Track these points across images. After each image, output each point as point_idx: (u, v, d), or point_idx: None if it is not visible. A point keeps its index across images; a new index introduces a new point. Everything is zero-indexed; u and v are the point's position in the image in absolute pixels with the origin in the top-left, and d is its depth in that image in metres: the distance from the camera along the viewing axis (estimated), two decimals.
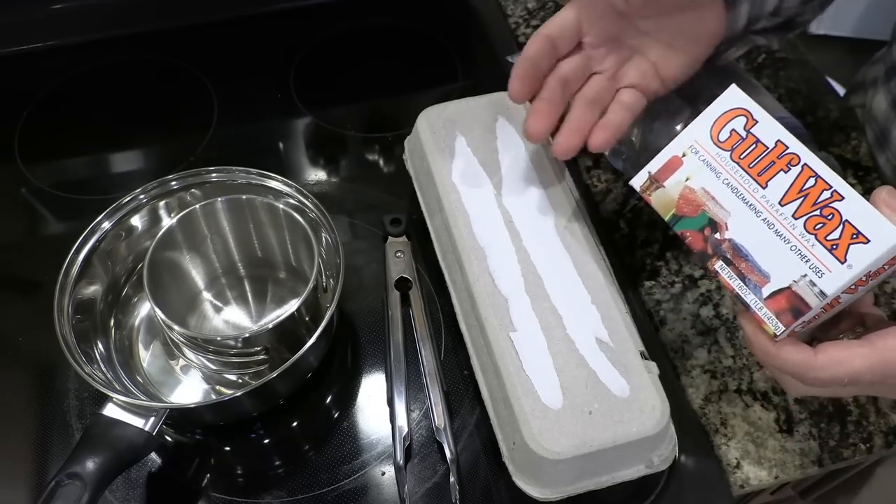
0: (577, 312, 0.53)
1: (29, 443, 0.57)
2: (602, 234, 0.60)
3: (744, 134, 0.46)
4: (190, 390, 0.58)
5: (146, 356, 0.60)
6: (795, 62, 0.80)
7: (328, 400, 0.59)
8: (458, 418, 0.57)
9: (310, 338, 0.52)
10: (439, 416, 0.56)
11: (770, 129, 0.45)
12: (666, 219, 0.47)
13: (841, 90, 0.87)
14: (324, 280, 0.60)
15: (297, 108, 0.77)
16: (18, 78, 0.81)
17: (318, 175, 0.73)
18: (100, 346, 0.57)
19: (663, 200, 0.48)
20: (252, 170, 0.61)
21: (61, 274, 0.56)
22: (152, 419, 0.49)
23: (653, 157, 0.64)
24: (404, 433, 0.55)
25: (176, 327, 0.54)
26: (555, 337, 0.52)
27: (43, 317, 0.63)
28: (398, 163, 0.69)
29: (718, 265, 0.45)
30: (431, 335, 0.60)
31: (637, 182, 0.49)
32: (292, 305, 0.55)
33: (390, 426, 0.56)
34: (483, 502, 0.54)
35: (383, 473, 0.55)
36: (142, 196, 0.60)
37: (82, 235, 0.58)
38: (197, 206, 0.58)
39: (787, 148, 0.44)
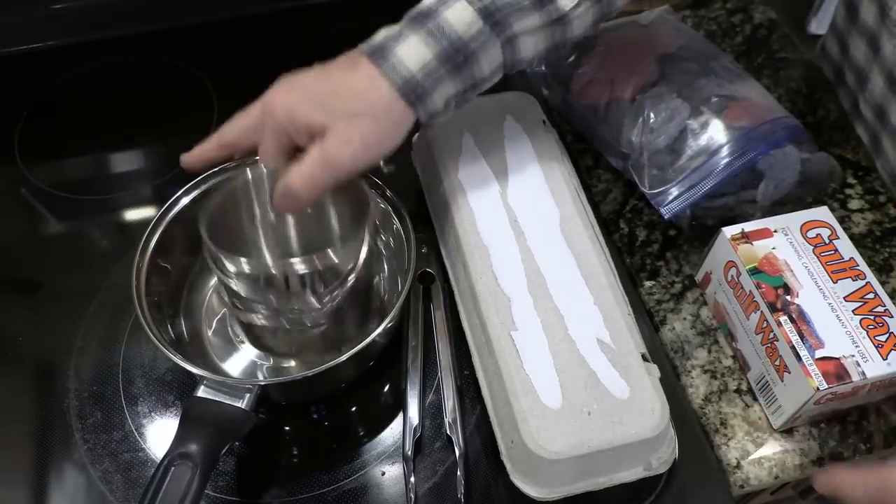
0: (579, 313, 0.53)
1: (29, 443, 0.57)
2: (602, 234, 0.60)
3: (826, 241, 0.58)
4: (250, 366, 0.59)
5: (211, 332, 0.60)
6: (795, 62, 0.80)
7: (328, 400, 0.59)
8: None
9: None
10: (452, 411, 0.56)
11: (848, 246, 0.57)
12: (746, 267, 0.56)
13: None
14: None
15: None
16: (18, 78, 0.81)
17: None
18: (169, 326, 0.57)
19: (749, 254, 0.57)
20: None
21: (137, 253, 0.56)
22: (247, 397, 0.50)
23: (652, 156, 0.64)
24: (415, 425, 0.55)
25: (232, 265, 0.53)
26: (556, 337, 0.52)
27: (43, 317, 0.63)
28: (399, 162, 0.69)
29: (783, 319, 0.54)
30: (450, 330, 0.60)
31: (730, 231, 0.58)
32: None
33: (402, 417, 0.56)
34: (483, 501, 0.54)
35: (383, 473, 0.55)
36: (220, 176, 0.60)
37: (160, 212, 0.58)
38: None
39: (858, 265, 0.56)
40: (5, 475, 0.56)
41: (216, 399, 0.50)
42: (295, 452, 0.58)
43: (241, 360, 0.59)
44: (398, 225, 0.59)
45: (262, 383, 0.52)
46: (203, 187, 0.60)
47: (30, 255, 0.68)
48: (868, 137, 0.73)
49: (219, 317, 0.61)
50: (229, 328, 0.61)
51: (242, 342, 0.60)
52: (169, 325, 0.57)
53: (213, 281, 0.62)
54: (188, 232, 0.60)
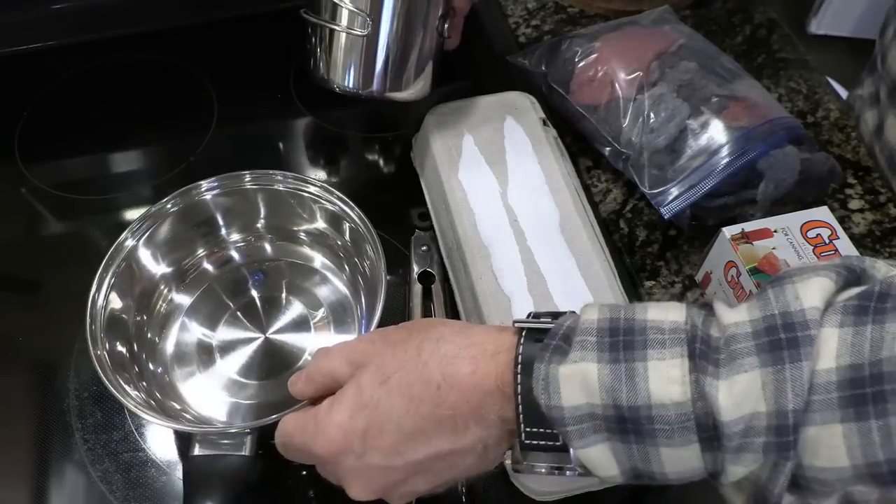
0: None
1: (29, 442, 0.57)
2: (602, 234, 0.60)
3: (826, 241, 0.58)
4: (223, 405, 0.56)
5: (181, 376, 0.57)
6: (795, 62, 0.80)
7: None
8: None
9: None
10: None
11: (848, 246, 0.57)
12: (746, 268, 0.56)
13: (841, 90, 0.87)
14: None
15: (297, 108, 0.77)
16: (18, 78, 0.81)
17: (317, 175, 0.73)
18: (138, 376, 0.55)
19: (748, 254, 0.57)
20: (289, 174, 0.60)
21: (87, 316, 0.53)
22: (248, 441, 0.47)
23: (652, 156, 0.64)
24: None
25: None
26: None
27: (43, 317, 0.63)
28: (398, 163, 0.69)
29: None
30: None
31: (730, 231, 0.58)
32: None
33: None
34: (484, 501, 0.54)
35: None
36: (169, 205, 0.59)
37: (108, 253, 0.56)
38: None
39: None
40: (5, 475, 0.56)
41: (216, 453, 0.47)
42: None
43: (220, 401, 0.56)
44: (371, 249, 0.57)
45: (258, 424, 0.48)
46: (147, 223, 0.58)
47: (30, 255, 0.68)
48: (875, 122, 0.73)
49: (186, 359, 0.58)
50: (198, 370, 0.58)
51: (217, 383, 0.57)
52: (137, 384, 0.53)
53: (176, 324, 0.59)
54: (140, 274, 0.58)
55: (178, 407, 0.55)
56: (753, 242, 0.58)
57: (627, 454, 0.35)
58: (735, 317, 0.35)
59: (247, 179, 0.60)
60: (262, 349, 0.58)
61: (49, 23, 0.81)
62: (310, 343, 0.58)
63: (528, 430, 0.37)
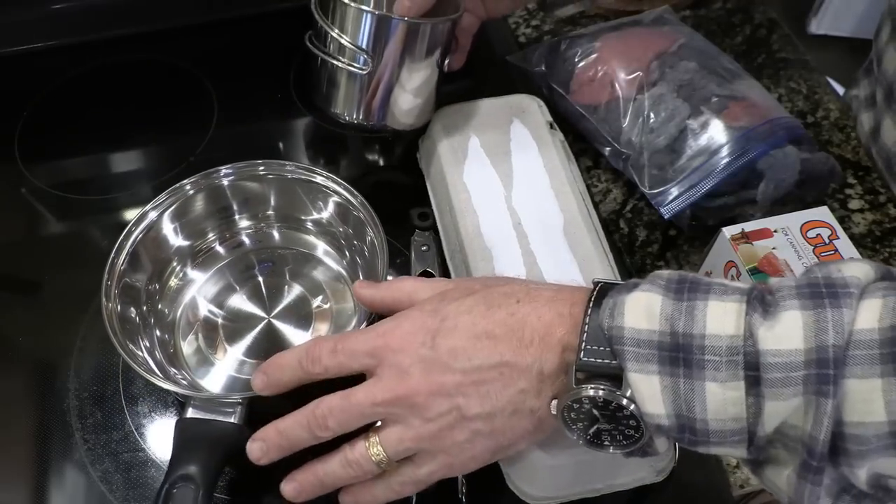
0: None
1: (29, 443, 0.57)
2: (605, 238, 0.60)
3: (826, 241, 0.57)
4: (222, 378, 0.58)
5: (186, 347, 0.59)
6: (795, 62, 0.80)
7: None
8: None
9: None
10: None
11: (848, 247, 0.57)
12: (746, 268, 0.56)
13: (841, 90, 0.87)
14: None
15: (297, 108, 0.77)
16: (18, 78, 0.81)
17: None
18: (145, 340, 0.57)
19: (748, 254, 0.57)
20: (300, 164, 0.62)
21: (105, 274, 0.55)
22: (238, 410, 0.49)
23: (652, 156, 0.64)
24: None
25: None
26: None
27: (43, 317, 0.63)
28: (398, 163, 0.69)
29: None
30: None
31: (730, 231, 0.58)
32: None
33: None
34: (483, 503, 0.54)
35: None
36: (188, 187, 0.61)
37: (128, 226, 0.58)
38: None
39: None
40: (5, 475, 0.56)
41: (207, 417, 0.49)
42: (295, 452, 0.57)
43: (220, 375, 0.58)
44: (372, 236, 0.58)
45: (251, 395, 0.50)
46: (169, 199, 0.60)
47: (30, 255, 0.68)
48: (871, 124, 0.73)
49: (192, 333, 0.60)
50: (202, 344, 0.59)
51: (219, 359, 0.59)
52: (143, 346, 0.56)
53: (186, 298, 0.61)
54: (158, 246, 0.60)
55: (178, 374, 0.57)
56: (753, 242, 0.57)
57: (674, 392, 0.37)
58: (781, 280, 0.38)
59: (260, 169, 0.62)
60: (264, 331, 0.60)
61: (49, 23, 0.81)
62: (309, 328, 0.60)
63: (587, 347, 0.39)
